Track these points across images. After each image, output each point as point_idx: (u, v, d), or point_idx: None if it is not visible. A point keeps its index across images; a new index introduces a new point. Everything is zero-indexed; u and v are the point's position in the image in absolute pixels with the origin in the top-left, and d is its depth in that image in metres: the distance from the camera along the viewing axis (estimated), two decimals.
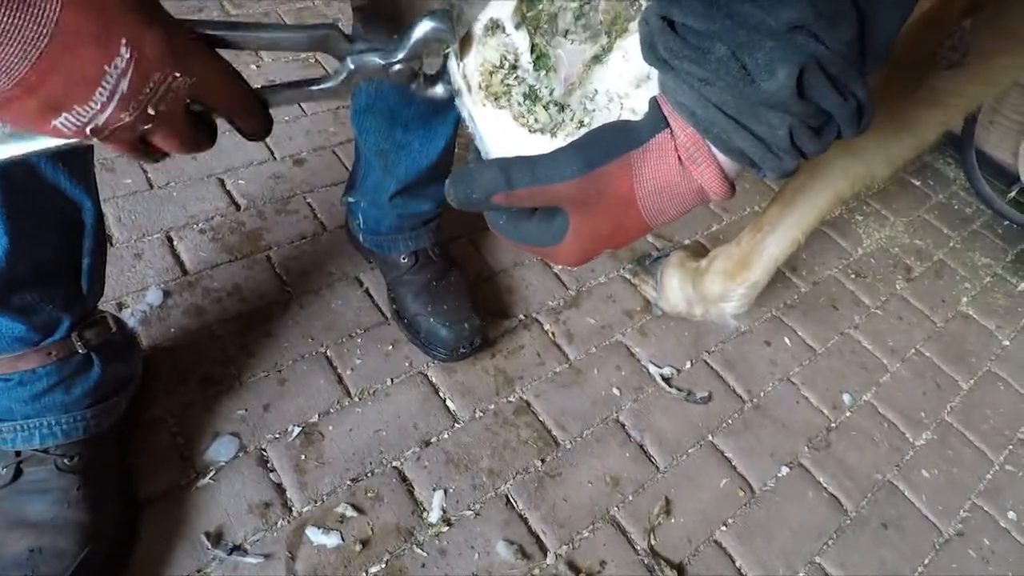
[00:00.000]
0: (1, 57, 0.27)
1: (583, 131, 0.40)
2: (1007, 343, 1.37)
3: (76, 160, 0.58)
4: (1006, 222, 1.66)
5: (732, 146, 0.35)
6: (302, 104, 1.31)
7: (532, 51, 0.41)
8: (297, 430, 0.85)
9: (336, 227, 1.10)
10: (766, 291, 1.21)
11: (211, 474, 0.78)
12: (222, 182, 1.10)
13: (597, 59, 0.41)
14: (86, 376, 0.66)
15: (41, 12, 0.27)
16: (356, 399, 0.91)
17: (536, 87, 0.42)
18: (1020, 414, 1.24)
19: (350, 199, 0.99)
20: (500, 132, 0.41)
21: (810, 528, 0.96)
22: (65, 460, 0.66)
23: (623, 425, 0.99)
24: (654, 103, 0.38)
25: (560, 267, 1.18)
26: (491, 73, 0.42)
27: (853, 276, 1.39)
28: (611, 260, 1.22)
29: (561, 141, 0.40)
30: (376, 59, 0.40)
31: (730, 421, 1.05)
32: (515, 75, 0.42)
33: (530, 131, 0.41)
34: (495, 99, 0.42)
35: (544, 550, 0.83)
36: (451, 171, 0.94)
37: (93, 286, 0.66)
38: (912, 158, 0.83)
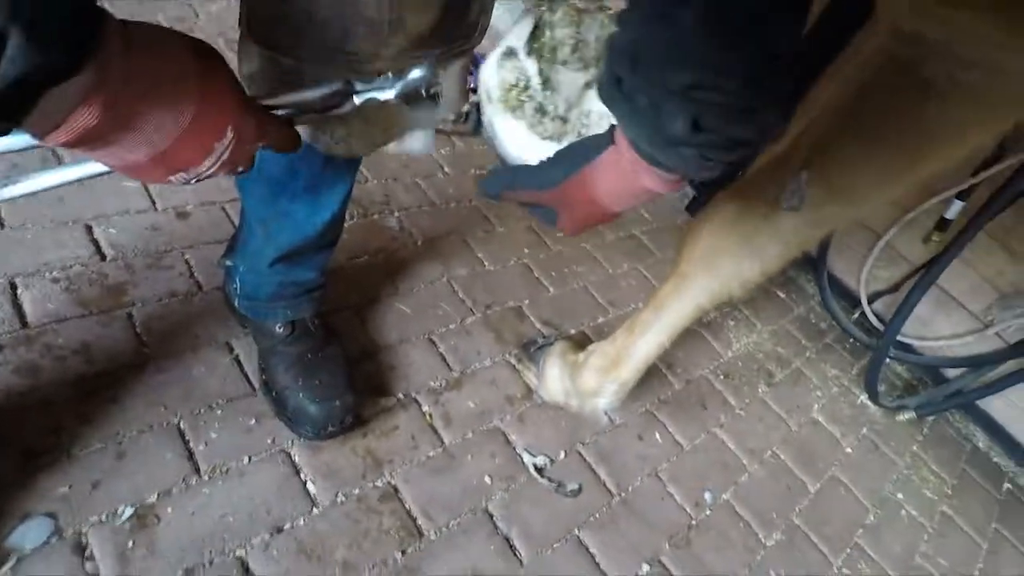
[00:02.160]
0: (149, 142, 0.37)
1: None
2: (848, 450, 1.51)
3: None
4: (851, 339, 1.86)
5: (660, 164, 0.47)
6: None
7: (540, 74, 0.52)
8: (129, 511, 0.77)
9: (213, 288, 1.05)
10: (643, 385, 1.27)
11: (9, 564, 0.68)
12: (89, 228, 1.03)
13: (588, 85, 0.53)
14: None
15: (182, 113, 0.38)
16: (205, 477, 0.84)
17: (544, 104, 0.54)
18: (856, 519, 1.35)
19: (228, 262, 0.95)
20: (517, 139, 0.53)
21: None
22: None
23: (491, 516, 0.98)
24: (612, 126, 0.52)
25: (444, 347, 1.18)
26: (508, 90, 0.54)
27: (722, 377, 1.49)
28: (498, 343, 1.24)
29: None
30: (377, 97, 0.52)
31: (597, 515, 1.06)
32: (527, 92, 0.54)
33: (541, 138, 0.52)
34: (512, 111, 0.55)
35: None
36: (336, 240, 0.94)
37: None
38: (760, 281, 0.93)
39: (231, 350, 0.99)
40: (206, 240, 1.11)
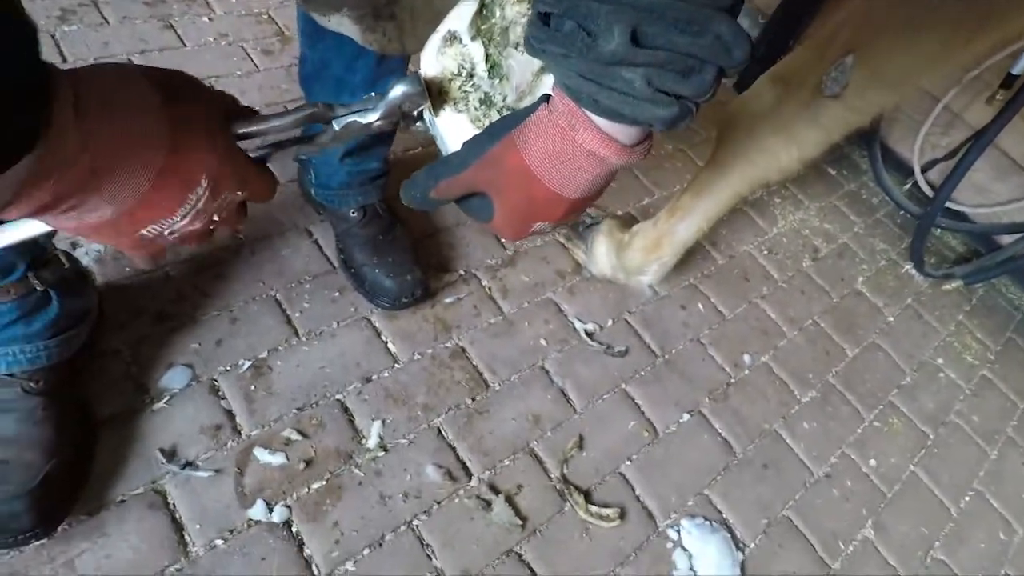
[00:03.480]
0: (113, 200, 0.34)
1: None
2: (891, 319, 1.56)
3: None
4: (903, 212, 1.85)
5: (602, 107, 0.37)
6: (254, 59, 1.34)
7: (487, 61, 0.46)
8: (247, 364, 0.93)
9: (289, 180, 1.16)
10: (687, 262, 1.35)
11: (165, 399, 0.86)
12: None
13: (544, 69, 0.45)
14: (45, 310, 0.72)
15: (149, 166, 0.34)
16: (303, 339, 0.99)
17: (491, 94, 0.46)
18: (893, 380, 1.42)
19: (302, 156, 1.05)
20: (459, 134, 0.45)
21: (702, 466, 1.10)
22: (30, 384, 0.72)
23: (547, 372, 1.11)
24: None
25: None
26: (450, 80, 0.46)
27: (766, 252, 1.54)
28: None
29: None
30: (359, 120, 0.45)
31: (643, 373, 1.18)
32: (472, 82, 0.46)
33: None
34: (454, 104, 0.46)
35: (469, 474, 0.94)
36: (395, 132, 1.02)
37: (47, 234, 0.70)
38: (799, 168, 0.95)
39: (311, 234, 1.11)
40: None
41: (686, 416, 1.16)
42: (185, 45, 1.30)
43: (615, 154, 0.39)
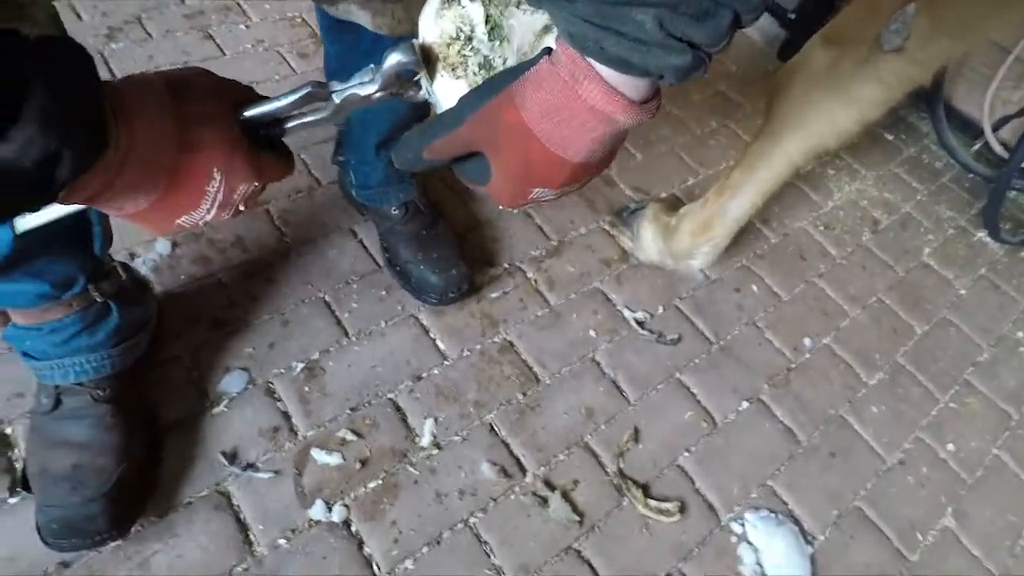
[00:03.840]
0: (141, 192, 0.39)
1: None
2: (963, 291, 1.46)
3: None
4: (972, 175, 1.73)
5: (609, 54, 0.34)
6: (291, 62, 1.35)
7: (487, 22, 0.44)
8: (300, 366, 0.94)
9: (329, 182, 1.16)
10: (738, 242, 1.30)
11: (224, 403, 0.88)
12: None
13: (547, 29, 0.43)
14: (106, 321, 0.74)
15: (164, 164, 0.39)
16: (354, 339, 0.99)
17: (491, 57, 0.44)
18: (968, 357, 1.34)
19: (340, 157, 1.06)
20: (456, 99, 0.43)
21: (764, 455, 1.06)
22: (98, 392, 0.75)
23: (598, 363, 1.08)
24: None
25: (540, 219, 1.25)
26: (448, 45, 0.44)
27: (822, 228, 1.47)
28: (590, 212, 1.30)
29: None
30: (357, 92, 0.45)
31: (697, 361, 1.14)
32: (471, 46, 0.44)
33: None
34: (452, 69, 0.44)
35: (524, 470, 0.93)
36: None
37: (103, 246, 0.73)
38: (858, 131, 0.89)
39: (355, 234, 1.12)
40: (315, 141, 1.22)
41: (745, 404, 1.11)
42: (224, 54, 1.32)
43: (621, 110, 0.36)
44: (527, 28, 0.44)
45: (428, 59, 0.46)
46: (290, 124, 0.46)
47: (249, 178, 0.44)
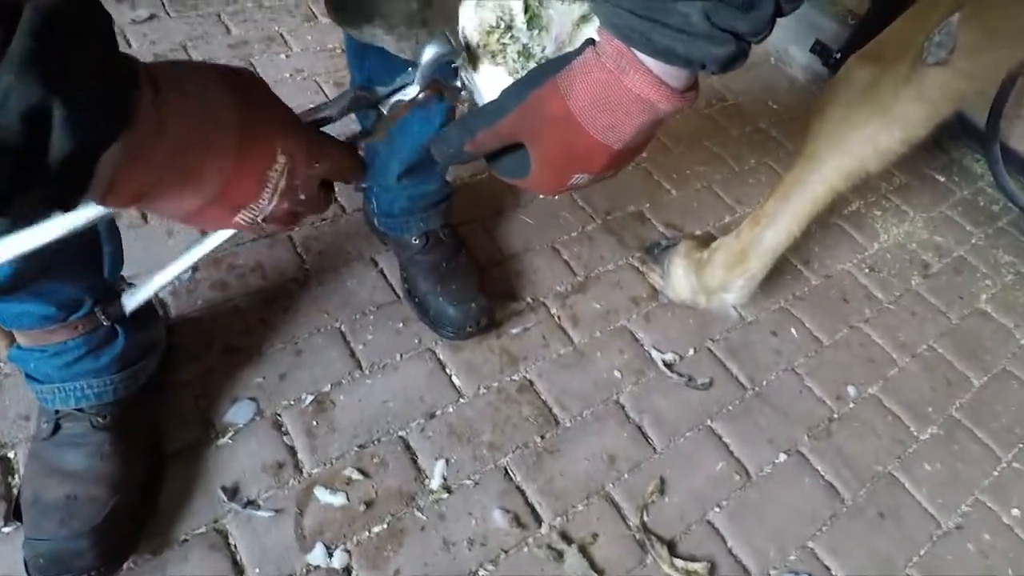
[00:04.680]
0: (199, 187, 0.35)
1: None
2: None
3: None
4: None
5: (655, 46, 0.35)
6: (327, 91, 1.36)
7: (526, 12, 0.45)
8: (310, 398, 0.91)
9: (355, 210, 1.15)
10: (776, 283, 1.23)
11: (229, 435, 0.85)
12: None
13: (585, 19, 0.44)
14: (112, 345, 0.72)
15: (225, 146, 0.35)
16: (367, 372, 0.96)
17: (530, 45, 0.45)
18: None
19: (363, 184, 1.04)
20: (497, 88, 0.45)
21: (804, 514, 0.97)
22: (98, 419, 0.73)
23: (623, 406, 1.02)
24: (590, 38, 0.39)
25: (567, 254, 1.21)
26: (488, 33, 0.45)
27: (867, 271, 1.39)
28: (620, 248, 1.25)
29: None
30: (401, 98, 0.45)
31: (730, 407, 1.07)
32: (510, 34, 0.45)
33: None
34: (491, 57, 0.46)
35: (539, 520, 0.87)
36: None
37: (113, 269, 0.72)
38: (902, 151, 0.84)
39: (376, 264, 1.09)
40: None
41: (782, 456, 1.03)
42: None
43: (665, 99, 0.37)
44: (565, 17, 0.45)
45: (467, 50, 0.47)
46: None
47: (312, 160, 0.40)
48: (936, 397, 1.20)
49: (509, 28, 0.45)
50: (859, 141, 0.82)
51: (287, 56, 1.42)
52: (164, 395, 0.86)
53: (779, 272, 1.18)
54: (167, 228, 1.04)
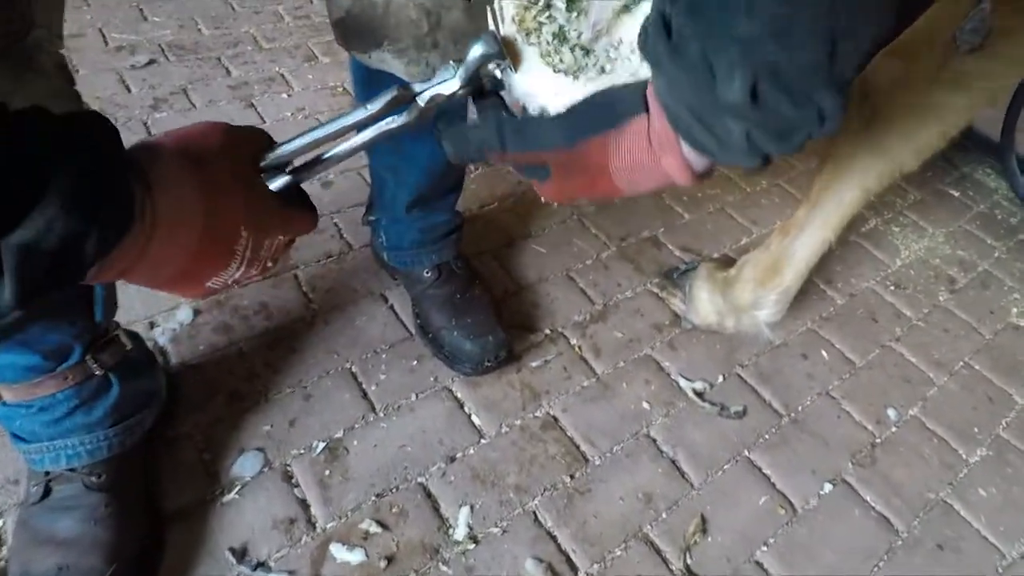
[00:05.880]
0: (171, 261, 0.38)
1: (603, 78, 0.44)
2: None
3: None
4: None
5: (695, 141, 0.39)
6: None
7: None
8: (322, 445, 0.84)
9: (362, 246, 1.11)
10: (800, 303, 1.18)
11: (236, 489, 0.78)
12: None
13: (627, 8, 0.43)
14: (105, 396, 0.67)
15: (192, 231, 0.37)
16: (381, 414, 0.90)
17: (566, 28, 0.44)
18: None
19: (371, 217, 1.00)
20: (526, 67, 0.45)
21: (858, 549, 0.90)
22: (92, 478, 0.67)
23: (654, 440, 0.96)
24: (643, 86, 0.42)
25: (583, 282, 1.17)
26: (526, 8, 0.44)
27: (892, 288, 1.34)
28: (637, 274, 1.20)
29: (581, 84, 0.45)
30: (441, 92, 0.45)
31: (767, 436, 1.00)
32: (547, 14, 0.44)
33: (554, 70, 0.44)
34: (526, 34, 0.44)
35: (575, 569, 0.79)
36: (461, 181, 0.96)
37: (106, 313, 0.66)
38: (941, 146, 0.80)
39: (386, 300, 1.04)
40: (350, 204, 1.18)
41: (828, 487, 0.96)
42: (264, 121, 1.32)
43: (688, 180, 0.42)
44: (606, 5, 0.44)
45: (502, 20, 0.46)
46: (370, 133, 0.44)
47: (274, 232, 0.43)
48: (980, 417, 1.13)
49: (548, 7, 0.44)
50: (893, 138, 0.79)
51: (288, 95, 1.40)
52: (164, 449, 0.80)
53: (803, 293, 1.13)
54: None
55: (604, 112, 0.42)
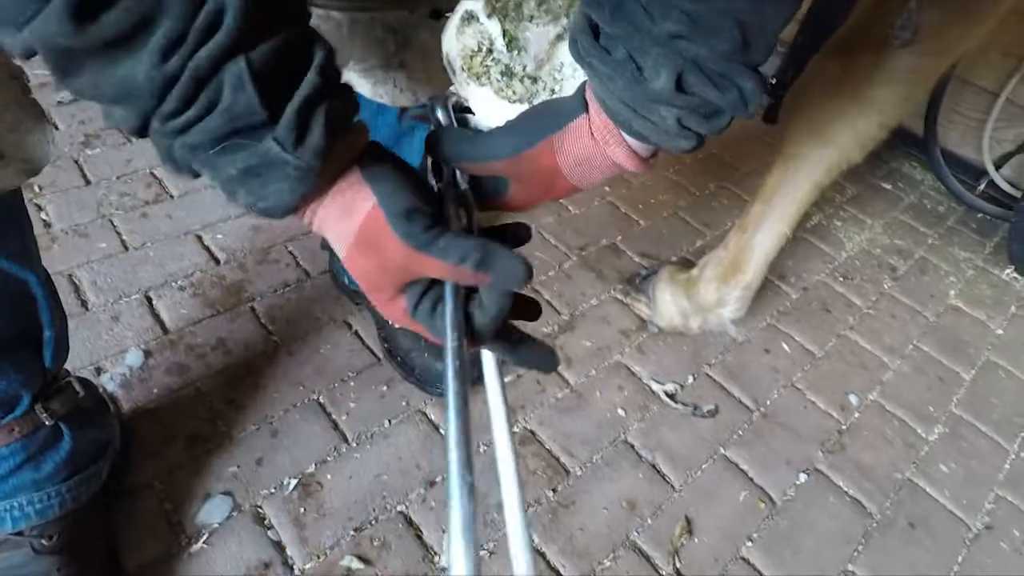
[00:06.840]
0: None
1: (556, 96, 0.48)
2: (1000, 331, 1.37)
3: (10, 239, 0.53)
4: (979, 215, 1.69)
5: (635, 131, 0.42)
6: None
7: (504, 36, 0.48)
8: (294, 482, 0.80)
9: (320, 273, 1.08)
10: (758, 300, 1.21)
11: (204, 538, 0.73)
12: (199, 238, 1.08)
13: (560, 37, 0.48)
14: (56, 448, 0.61)
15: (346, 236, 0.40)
16: (354, 444, 0.86)
17: (511, 65, 0.49)
18: None
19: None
20: (486, 105, 0.49)
21: (837, 534, 0.92)
22: (42, 541, 0.61)
23: (632, 446, 0.96)
24: (581, 88, 0.45)
25: (548, 293, 1.16)
26: (471, 57, 0.49)
27: (841, 279, 1.40)
28: (600, 282, 1.21)
29: None
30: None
31: (740, 432, 1.02)
32: (491, 57, 0.49)
33: (510, 102, 0.49)
34: (477, 78, 0.49)
35: None
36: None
37: (57, 357, 0.61)
38: (883, 136, 0.84)
39: (350, 326, 1.01)
40: (304, 231, 1.14)
41: (803, 477, 0.98)
42: None
43: (636, 166, 0.45)
44: (541, 38, 0.48)
45: (453, 69, 0.51)
46: None
47: None
48: (934, 396, 1.18)
49: (490, 51, 0.49)
50: (839, 131, 0.82)
51: None
52: (122, 502, 0.74)
53: (760, 290, 1.16)
54: (112, 313, 0.94)
55: (548, 118, 0.45)
